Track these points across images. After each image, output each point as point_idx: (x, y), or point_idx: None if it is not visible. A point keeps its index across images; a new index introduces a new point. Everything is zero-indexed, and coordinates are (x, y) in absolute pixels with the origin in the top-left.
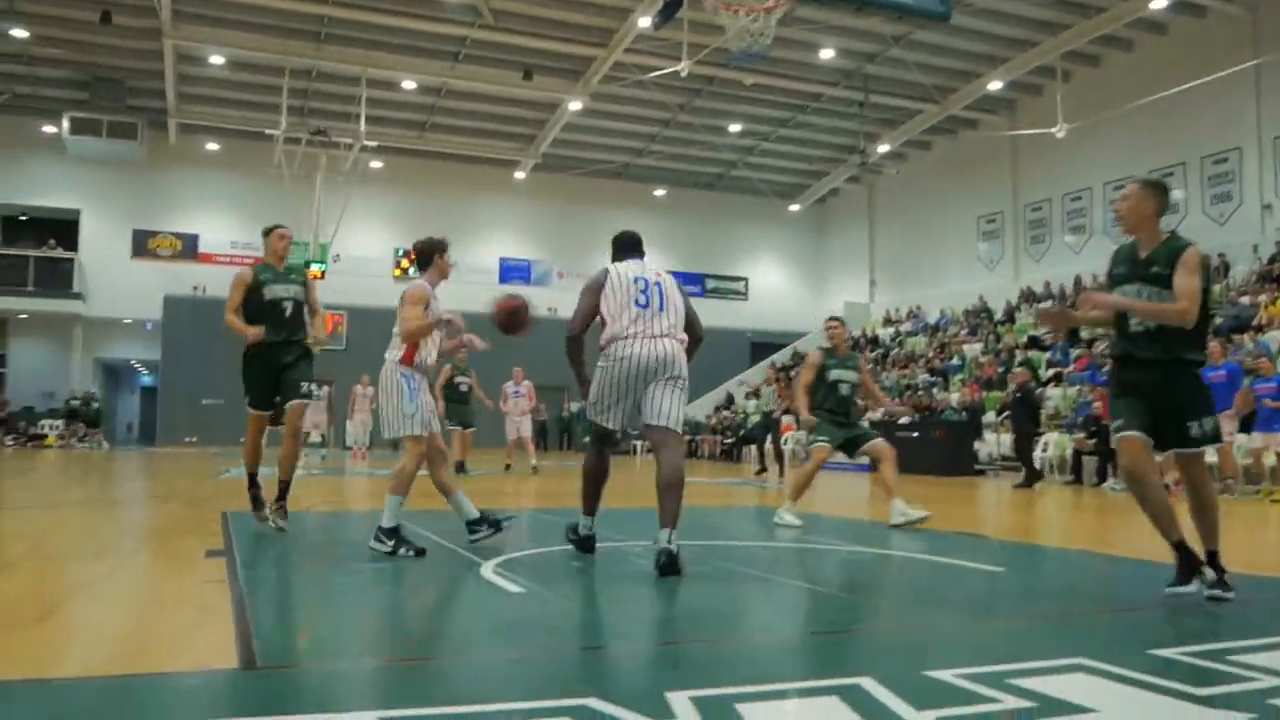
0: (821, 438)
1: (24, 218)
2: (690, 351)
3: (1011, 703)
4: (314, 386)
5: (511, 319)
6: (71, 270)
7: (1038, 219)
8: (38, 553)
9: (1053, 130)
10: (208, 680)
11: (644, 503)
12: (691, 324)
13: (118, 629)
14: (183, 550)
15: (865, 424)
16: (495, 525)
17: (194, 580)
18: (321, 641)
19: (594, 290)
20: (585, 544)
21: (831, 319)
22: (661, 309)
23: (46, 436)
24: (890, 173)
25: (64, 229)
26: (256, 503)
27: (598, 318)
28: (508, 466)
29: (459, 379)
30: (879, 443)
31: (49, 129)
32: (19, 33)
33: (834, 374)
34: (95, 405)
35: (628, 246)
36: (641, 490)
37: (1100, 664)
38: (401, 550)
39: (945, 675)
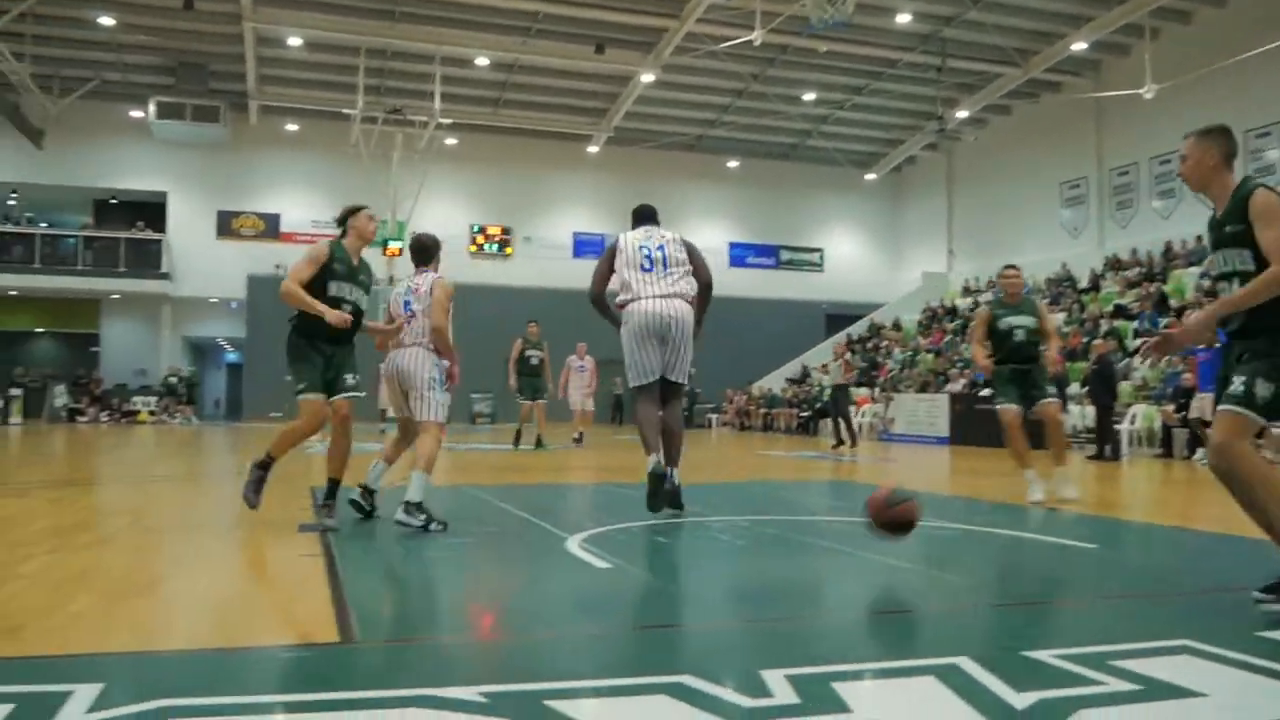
0: (1000, 399)
1: (114, 200)
2: (703, 298)
3: (1116, 685)
4: (360, 377)
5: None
6: (160, 251)
7: (1124, 184)
8: (137, 526)
9: (1140, 91)
10: (310, 655)
11: (726, 477)
12: (698, 270)
13: (219, 602)
14: (276, 524)
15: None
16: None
17: (289, 554)
18: (417, 616)
19: (607, 254)
20: (656, 478)
21: (1008, 266)
22: (666, 270)
23: (139, 413)
24: (969, 139)
25: (152, 211)
26: (258, 483)
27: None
28: (577, 438)
29: (530, 352)
30: (1049, 406)
31: (136, 114)
32: (106, 20)
33: (1004, 322)
34: (193, 382)
35: (643, 216)
36: (721, 464)
37: (1206, 646)
38: (433, 526)
39: (1044, 656)
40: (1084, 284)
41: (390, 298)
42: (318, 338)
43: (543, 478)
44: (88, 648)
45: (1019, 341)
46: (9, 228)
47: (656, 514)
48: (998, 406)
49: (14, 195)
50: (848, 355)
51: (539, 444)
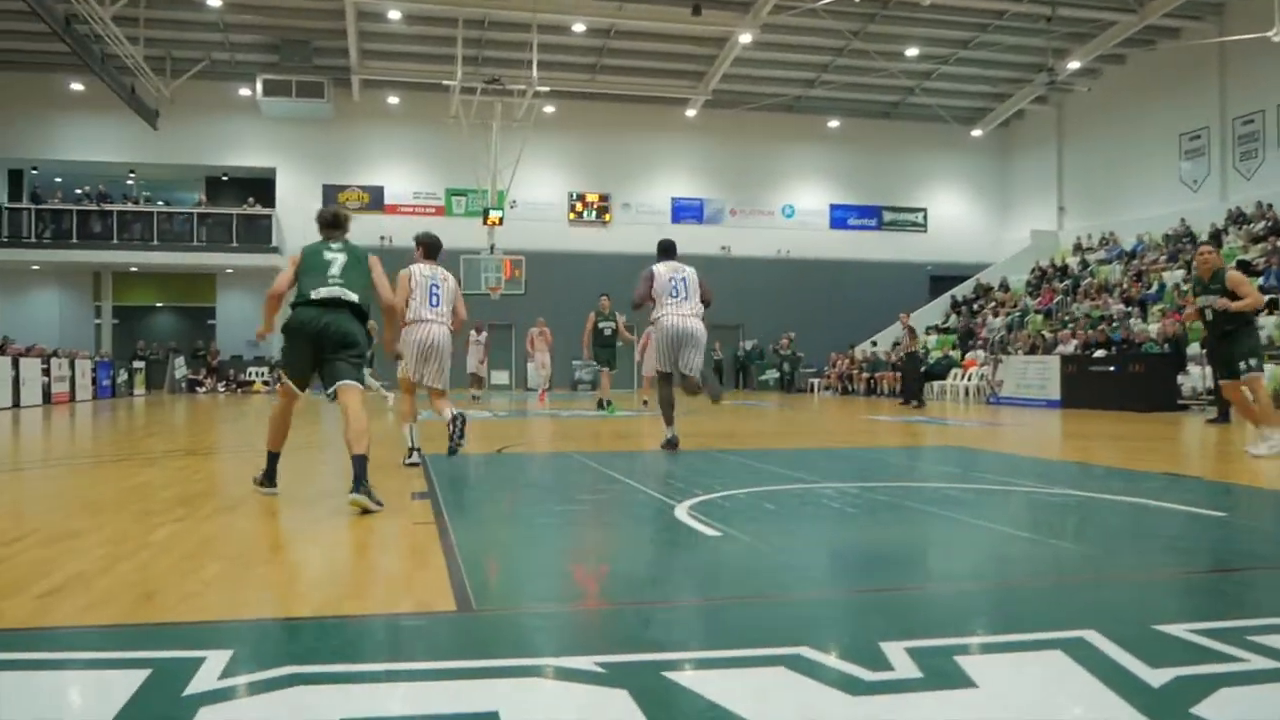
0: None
1: (225, 178)
2: (705, 306)
3: (1259, 662)
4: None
5: None
6: (270, 226)
7: (1249, 133)
8: (259, 494)
9: (1269, 34)
10: (429, 623)
11: (832, 443)
12: (704, 292)
13: (339, 570)
14: (390, 492)
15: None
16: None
17: (404, 522)
18: (531, 585)
19: (647, 280)
20: (671, 444)
21: (1201, 244)
22: (686, 297)
23: (254, 383)
24: (1081, 90)
25: (261, 187)
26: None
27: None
28: (645, 402)
29: (603, 324)
30: (1247, 380)
31: (244, 92)
32: (213, 1)
33: (1200, 301)
34: None
35: (667, 250)
36: (826, 430)
37: None
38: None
39: (1178, 630)
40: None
41: (417, 284)
42: None
43: (646, 444)
44: (218, 615)
45: (1209, 320)
46: (128, 207)
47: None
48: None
49: (132, 174)
50: (912, 324)
51: (600, 405)
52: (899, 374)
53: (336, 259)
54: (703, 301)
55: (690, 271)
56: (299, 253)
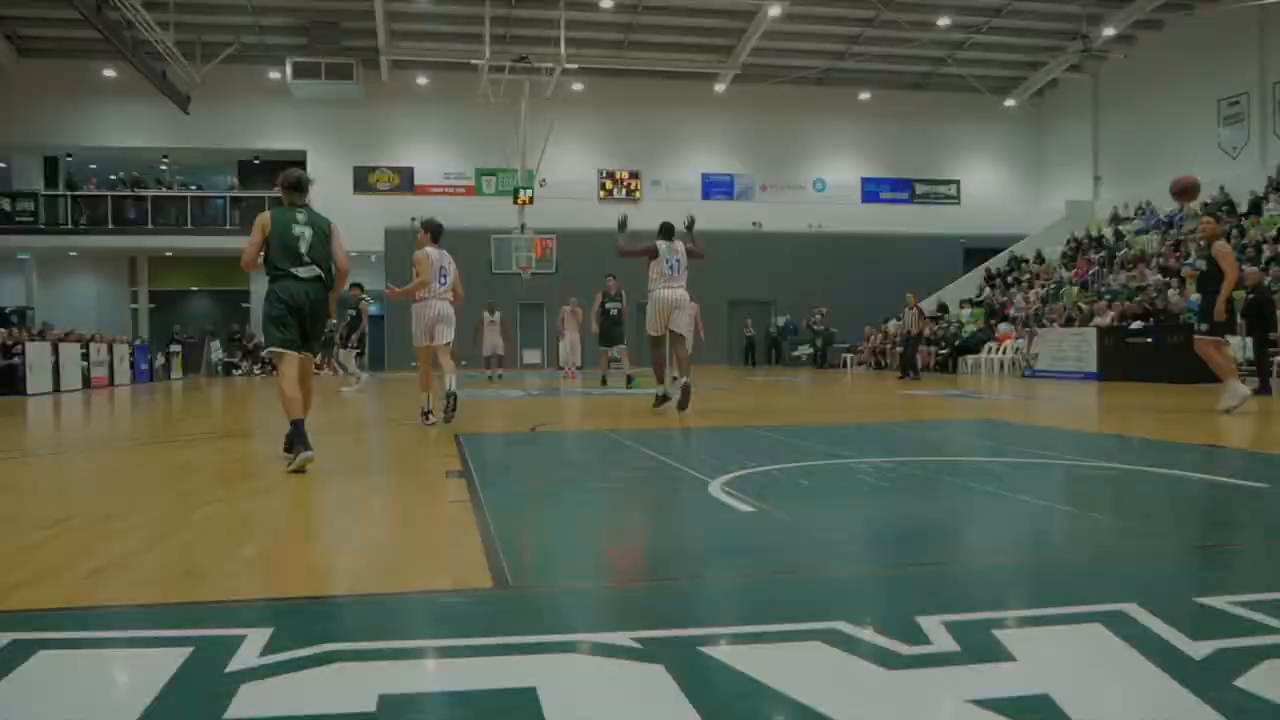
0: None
1: (257, 161)
2: (696, 253)
3: None
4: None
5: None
6: None
7: None
8: (295, 475)
9: None
10: (466, 600)
11: (866, 418)
12: (696, 254)
13: (376, 548)
14: (425, 471)
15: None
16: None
17: (440, 500)
18: (566, 561)
19: (649, 250)
20: (662, 399)
21: (1205, 216)
22: (679, 274)
23: None
24: (1117, 58)
25: None
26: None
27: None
28: (674, 378)
29: (609, 304)
30: (1196, 339)
31: (274, 75)
32: None
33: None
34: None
35: (666, 231)
36: (860, 405)
37: None
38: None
39: (1220, 602)
40: (1244, 208)
41: (432, 264)
42: None
43: (679, 422)
44: (257, 593)
45: (1196, 279)
46: (162, 192)
47: (681, 412)
48: None
49: (165, 160)
50: (919, 305)
51: (629, 383)
52: (929, 348)
53: (304, 233)
54: (696, 255)
55: (681, 249)
56: (267, 217)
